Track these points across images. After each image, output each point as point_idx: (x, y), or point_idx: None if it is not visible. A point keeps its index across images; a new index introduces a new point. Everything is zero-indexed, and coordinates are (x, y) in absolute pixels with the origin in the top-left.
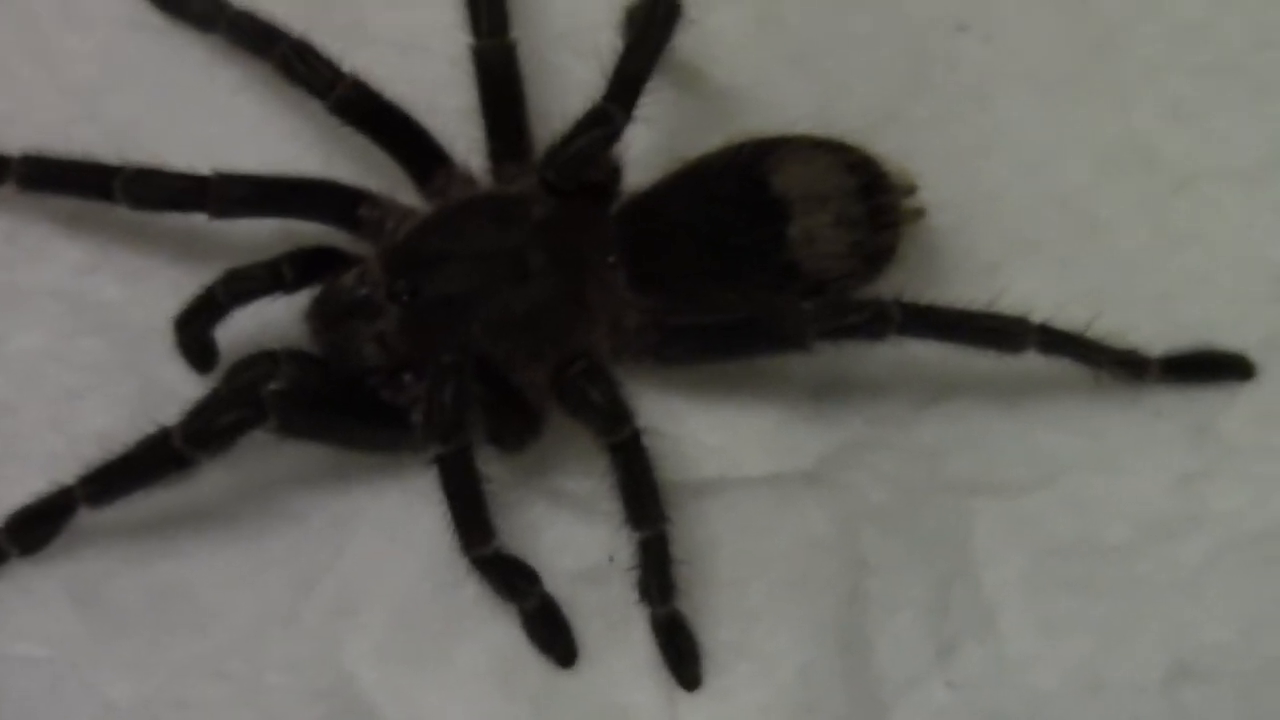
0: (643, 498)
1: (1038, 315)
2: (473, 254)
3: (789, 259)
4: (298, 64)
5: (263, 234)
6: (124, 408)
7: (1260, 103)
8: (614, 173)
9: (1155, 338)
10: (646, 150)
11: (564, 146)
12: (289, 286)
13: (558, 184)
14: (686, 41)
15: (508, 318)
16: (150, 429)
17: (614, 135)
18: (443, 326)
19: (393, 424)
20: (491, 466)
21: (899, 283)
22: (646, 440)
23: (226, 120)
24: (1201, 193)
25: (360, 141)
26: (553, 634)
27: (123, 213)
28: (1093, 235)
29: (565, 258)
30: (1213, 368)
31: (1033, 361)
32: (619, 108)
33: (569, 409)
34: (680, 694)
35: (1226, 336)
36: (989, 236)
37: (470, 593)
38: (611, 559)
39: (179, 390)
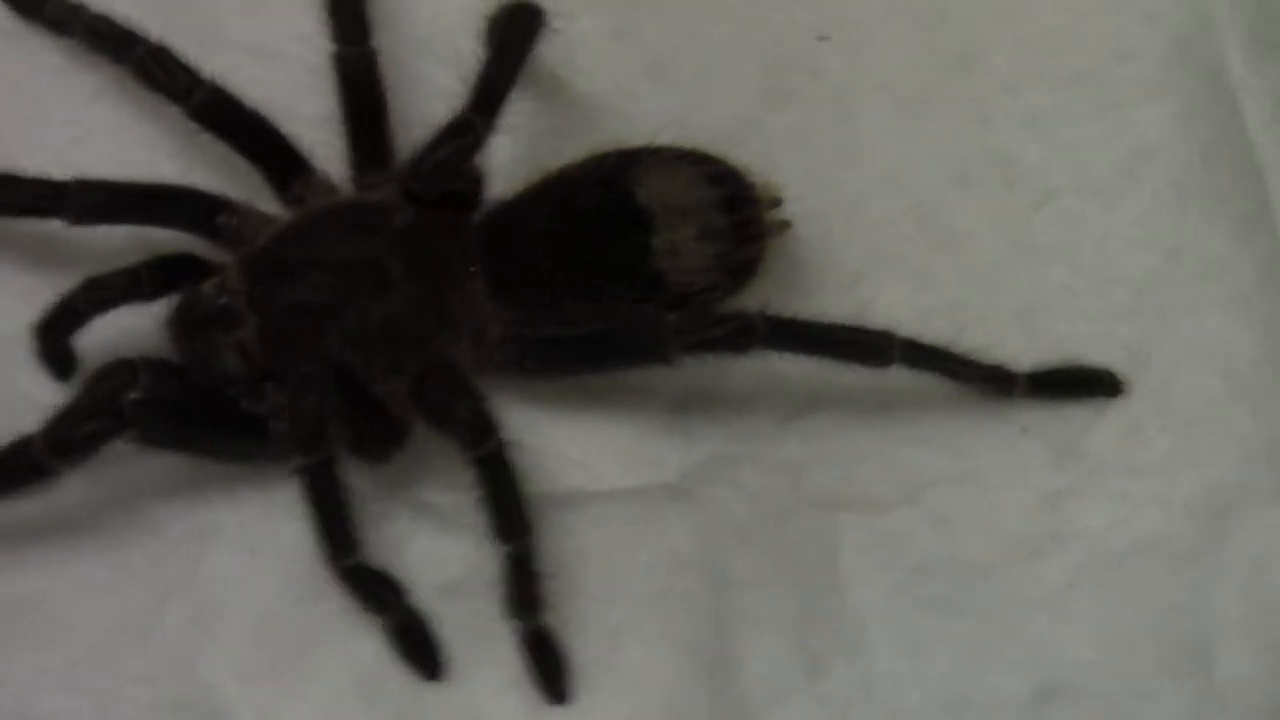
0: (508, 511)
1: (902, 329)
2: (332, 263)
3: (652, 271)
4: (155, 69)
5: (119, 240)
6: None
7: (1119, 115)
8: (476, 182)
9: (1019, 353)
10: (507, 159)
11: (427, 156)
12: (148, 294)
13: (420, 193)
14: (547, 51)
15: (368, 327)
16: (8, 437)
17: (476, 145)
18: (302, 336)
19: (254, 434)
20: (355, 478)
21: (762, 295)
22: (511, 453)
23: (83, 126)
24: (1062, 206)
25: (219, 148)
26: (418, 647)
27: None
28: (954, 248)
29: (426, 267)
30: (1080, 384)
31: (898, 376)
32: (482, 117)
33: (432, 421)
34: (546, 709)
35: (1090, 351)
36: (851, 248)
37: (333, 605)
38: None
39: (36, 397)
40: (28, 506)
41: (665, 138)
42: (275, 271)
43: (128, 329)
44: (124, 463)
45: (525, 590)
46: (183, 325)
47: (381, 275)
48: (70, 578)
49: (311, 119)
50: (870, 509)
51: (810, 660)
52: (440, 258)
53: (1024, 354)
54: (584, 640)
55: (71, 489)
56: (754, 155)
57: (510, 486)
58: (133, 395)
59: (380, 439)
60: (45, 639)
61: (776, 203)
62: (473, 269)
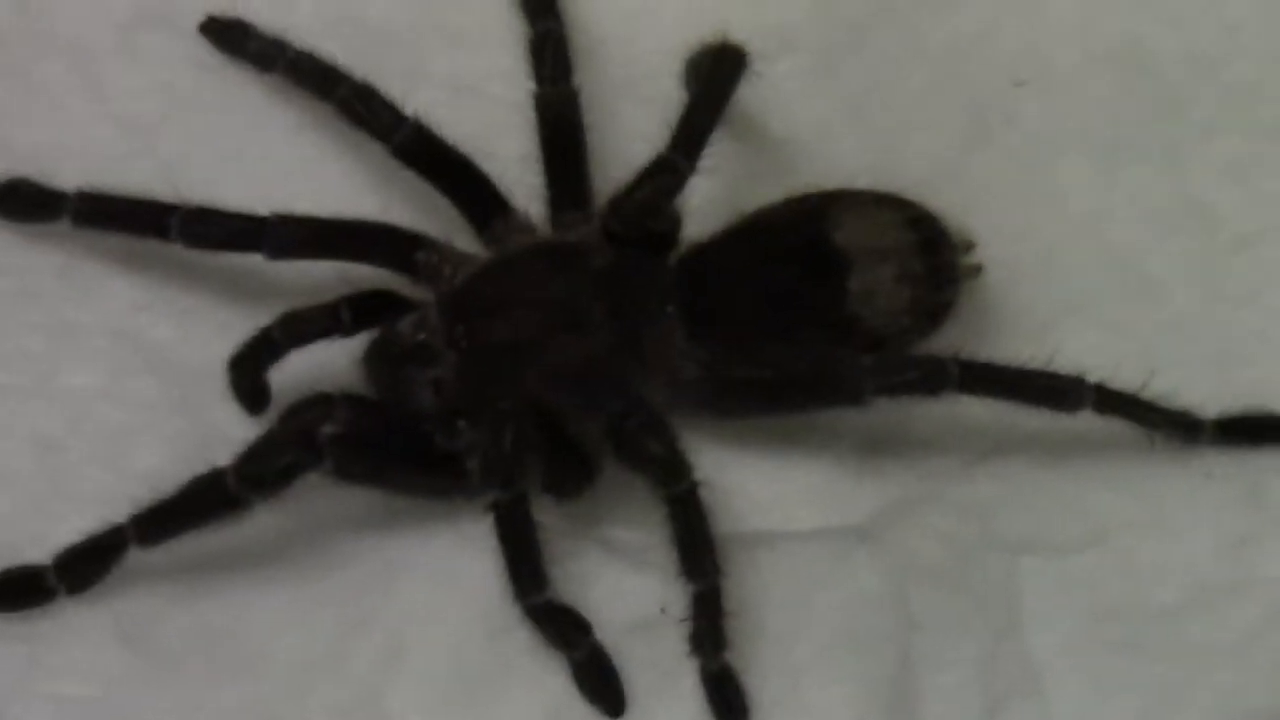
0: (699, 551)
1: (1092, 375)
2: (531, 302)
3: (848, 314)
4: (359, 107)
5: (317, 274)
6: (174, 447)
7: None
8: (675, 223)
9: (1209, 399)
10: (704, 200)
11: (628, 196)
12: (346, 329)
13: (620, 233)
14: (746, 91)
15: (565, 367)
16: (201, 470)
17: (678, 185)
18: (499, 374)
19: (447, 470)
20: (545, 514)
21: (952, 338)
22: (703, 493)
23: (283, 160)
24: (1257, 253)
25: (418, 184)
26: (603, 684)
27: (176, 250)
28: (1147, 295)
29: (624, 308)
30: (1267, 430)
31: (1085, 420)
32: (683, 158)
33: (627, 460)
34: None
35: None
36: (1043, 294)
37: (520, 640)
38: (663, 610)
39: (230, 431)
40: (219, 537)
41: (862, 180)
42: (474, 310)
43: (322, 363)
44: (315, 495)
45: (711, 629)
46: (380, 361)
47: (580, 315)
48: (263, 609)
49: (510, 157)
50: (1055, 552)
51: (990, 702)
52: (638, 298)
53: (1214, 401)
54: (766, 680)
55: (262, 520)
56: (949, 199)
57: (701, 526)
58: (328, 429)
59: (573, 476)
60: (240, 670)
61: (970, 246)
62: (669, 309)
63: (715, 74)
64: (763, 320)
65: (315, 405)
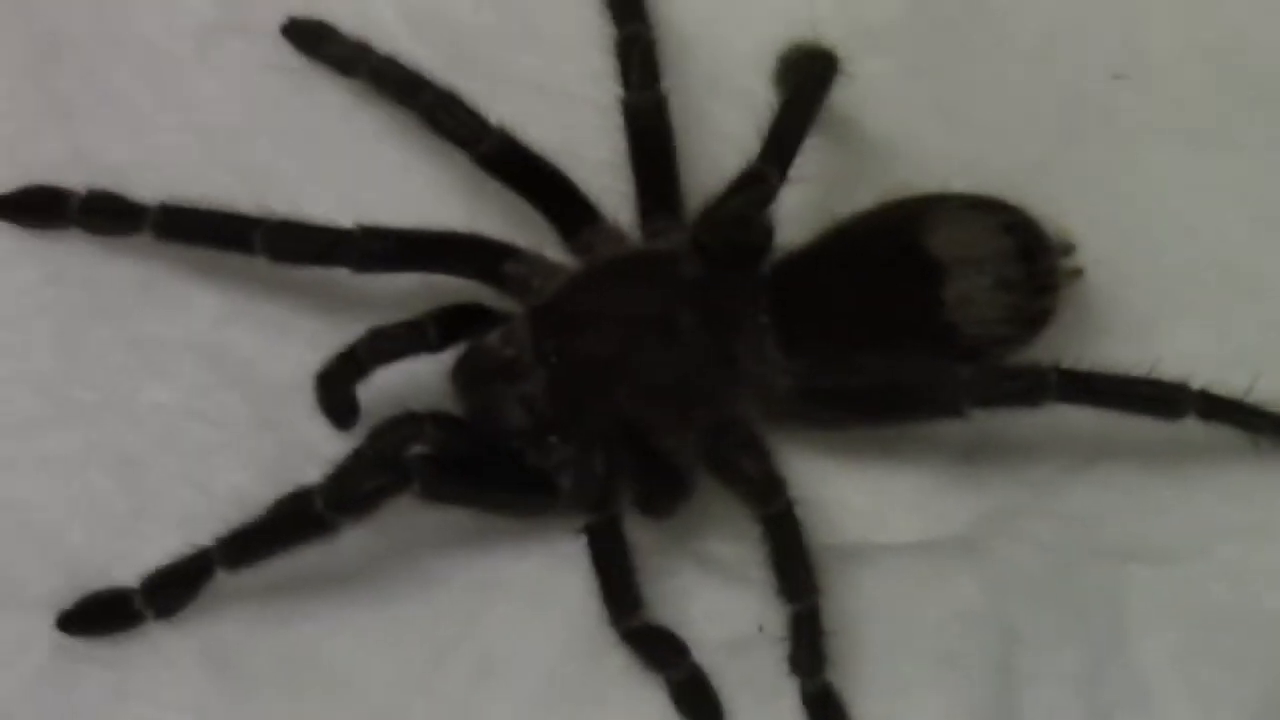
0: (796, 570)
1: (1195, 378)
2: (622, 315)
3: (945, 323)
4: (443, 115)
5: (404, 285)
6: (261, 465)
7: None
8: (766, 234)
9: None
10: (796, 205)
11: (719, 207)
12: (434, 346)
13: (711, 246)
14: (838, 92)
15: (657, 381)
16: (288, 488)
17: (770, 196)
18: (590, 390)
19: (538, 488)
20: (639, 531)
21: (1052, 341)
22: (799, 511)
23: (367, 167)
24: None
25: (506, 191)
26: (701, 705)
27: (261, 263)
28: (1251, 293)
29: (716, 319)
30: None
31: (1189, 426)
32: (774, 168)
33: (721, 478)
34: None
35: None
36: (1144, 295)
37: (617, 660)
38: (761, 628)
39: (318, 448)
40: (306, 558)
41: (956, 181)
42: (564, 324)
43: (412, 374)
44: (403, 513)
45: (810, 648)
46: (468, 377)
47: (671, 328)
48: (351, 631)
49: (598, 162)
50: (1161, 561)
51: (1096, 716)
52: (730, 309)
53: None
54: (867, 697)
55: (350, 540)
56: (1046, 198)
57: (798, 545)
58: (416, 450)
59: (666, 494)
60: (328, 694)
61: (1069, 249)
62: (762, 320)
63: (806, 80)
64: (857, 330)
65: (403, 425)
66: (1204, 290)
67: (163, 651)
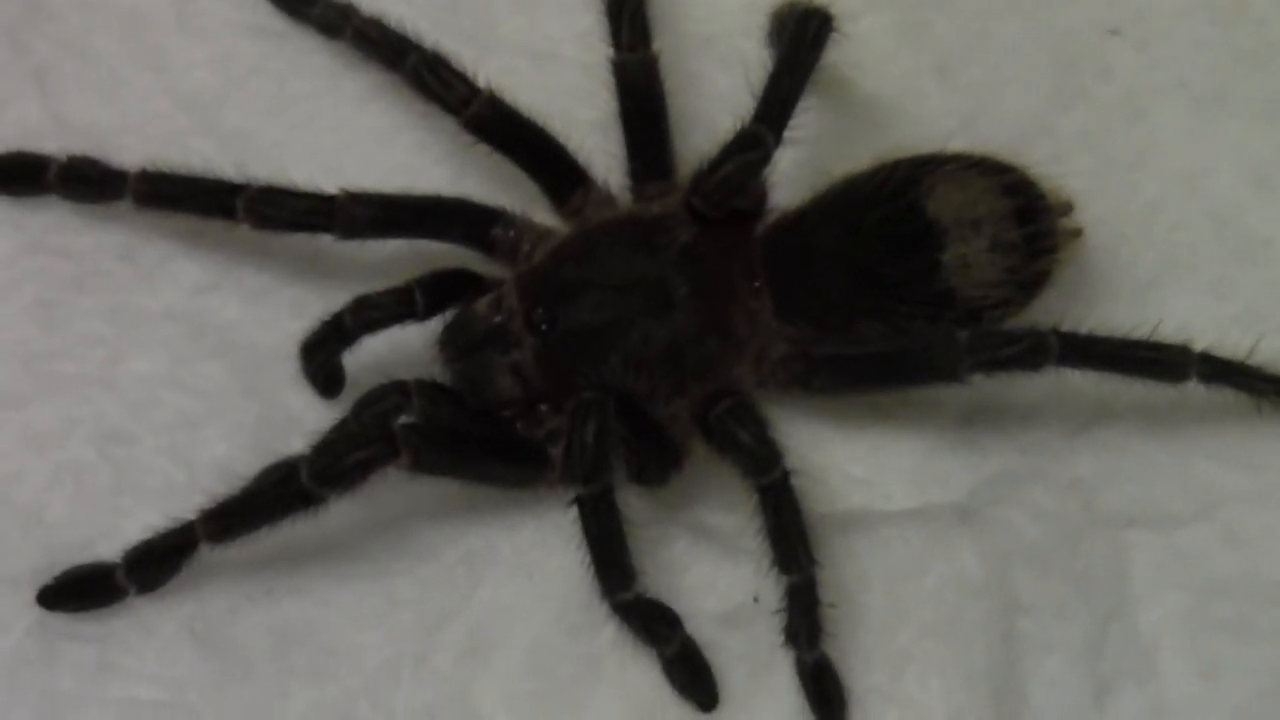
0: (791, 541)
1: (1197, 340)
2: (614, 282)
3: (943, 286)
4: (430, 78)
5: (389, 251)
6: (245, 435)
7: None
8: (761, 197)
9: None
10: (790, 165)
11: (712, 171)
12: (420, 314)
13: (706, 210)
14: (832, 51)
15: (649, 349)
16: (273, 459)
17: (764, 159)
18: (581, 358)
19: (529, 459)
20: (631, 501)
21: (1051, 303)
22: (795, 482)
23: (351, 131)
24: None
25: (494, 155)
26: (694, 678)
27: (243, 229)
28: (1251, 253)
29: (710, 285)
30: None
31: (1190, 388)
32: (769, 130)
33: (716, 447)
34: None
35: None
36: (1144, 255)
37: (609, 633)
38: (756, 600)
39: (302, 417)
40: (298, 530)
41: (953, 140)
42: (554, 291)
43: (397, 342)
44: (392, 485)
45: (806, 620)
46: (456, 346)
47: (664, 295)
48: (341, 606)
49: (588, 123)
50: (1163, 526)
51: (1099, 685)
52: (724, 275)
53: None
54: (865, 668)
55: (337, 513)
56: (1043, 157)
57: (794, 516)
58: (403, 420)
59: (659, 464)
60: (318, 670)
61: (1068, 209)
62: (756, 285)
63: (799, 40)
64: (854, 295)
65: (390, 394)
66: (1204, 250)
67: (146, 626)
